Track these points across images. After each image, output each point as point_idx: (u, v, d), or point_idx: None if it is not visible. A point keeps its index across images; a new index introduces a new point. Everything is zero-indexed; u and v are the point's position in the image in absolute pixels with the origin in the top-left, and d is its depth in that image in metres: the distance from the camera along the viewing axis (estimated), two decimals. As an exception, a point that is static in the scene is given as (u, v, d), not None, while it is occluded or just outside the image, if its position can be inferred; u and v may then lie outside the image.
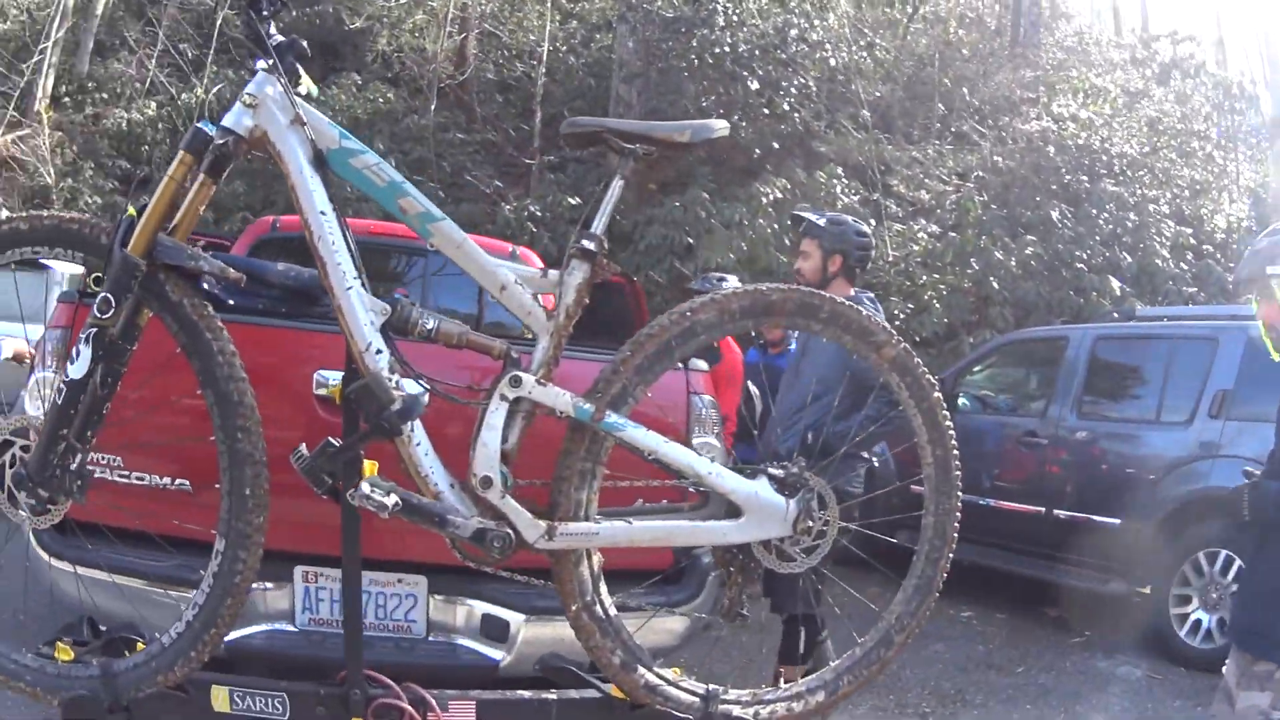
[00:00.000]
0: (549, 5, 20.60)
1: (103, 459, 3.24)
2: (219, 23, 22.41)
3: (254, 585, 3.05)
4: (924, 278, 13.11)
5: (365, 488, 2.57)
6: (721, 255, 13.02)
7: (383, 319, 2.64)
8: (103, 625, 3.13)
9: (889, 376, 2.85)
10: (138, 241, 2.53)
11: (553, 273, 2.76)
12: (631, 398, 2.71)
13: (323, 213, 2.61)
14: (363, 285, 2.63)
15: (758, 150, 14.61)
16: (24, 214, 2.76)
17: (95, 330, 2.52)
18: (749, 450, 6.26)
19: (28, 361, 4.84)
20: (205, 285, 3.12)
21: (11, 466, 2.67)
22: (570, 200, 15.39)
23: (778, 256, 13.04)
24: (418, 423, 2.63)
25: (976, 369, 9.24)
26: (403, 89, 21.09)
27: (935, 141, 15.77)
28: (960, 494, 2.94)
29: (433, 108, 19.58)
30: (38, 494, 2.61)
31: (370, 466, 2.66)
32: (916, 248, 13.76)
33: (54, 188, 19.23)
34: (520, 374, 2.63)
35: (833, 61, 15.30)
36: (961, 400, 8.71)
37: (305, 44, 2.79)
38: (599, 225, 2.75)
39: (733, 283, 7.28)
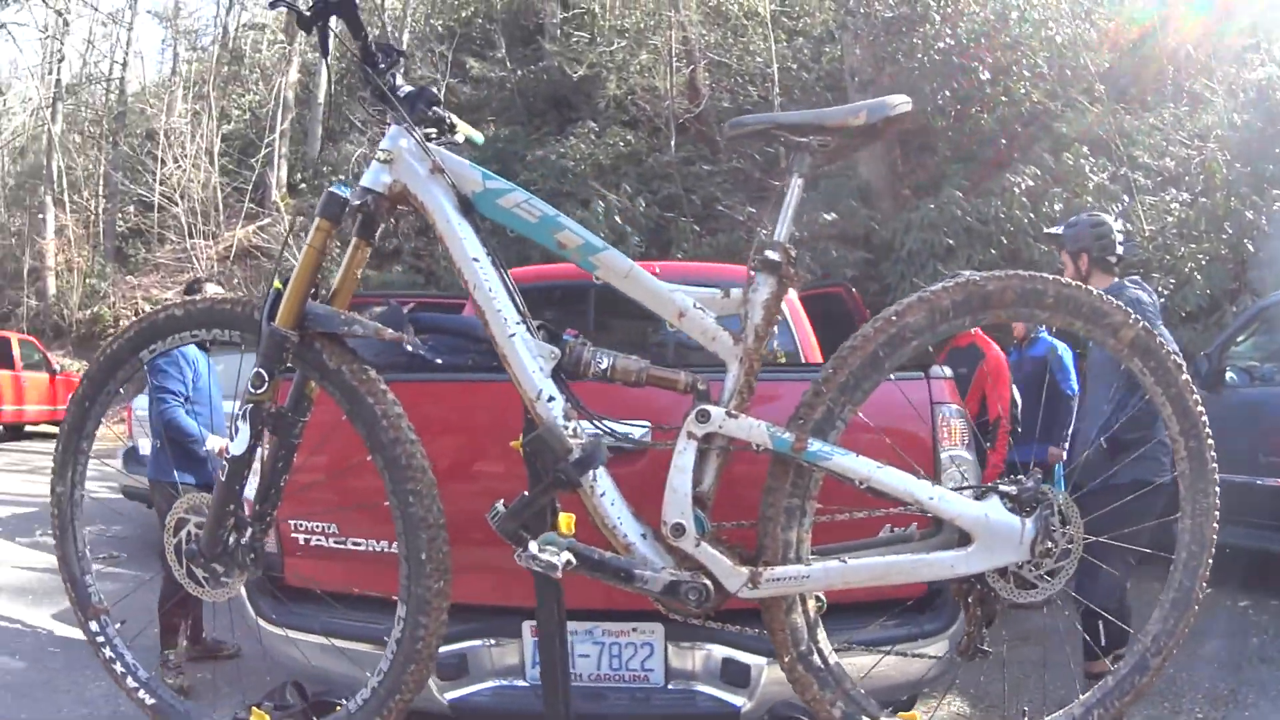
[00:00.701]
0: (770, 26, 20.91)
1: (317, 526, 3.45)
2: (442, 93, 23.87)
3: (480, 642, 3.26)
4: (1181, 249, 12.76)
5: (533, 548, 2.47)
6: (983, 253, 13.17)
7: (552, 363, 2.55)
8: (311, 688, 3.23)
9: (1130, 362, 2.60)
10: (284, 313, 2.56)
11: (735, 291, 2.59)
12: (839, 420, 2.50)
13: (475, 259, 2.57)
14: (528, 330, 2.57)
15: (1003, 140, 14.51)
16: (180, 300, 2.83)
17: (251, 406, 2.58)
18: (1031, 451, 6.82)
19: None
20: (410, 348, 3.22)
21: (188, 543, 2.74)
22: (826, 216, 15.48)
23: (1038, 247, 13.03)
24: (602, 471, 2.53)
25: (1240, 339, 8.37)
26: (641, 129, 21.59)
27: (1170, 105, 15.23)
28: (1218, 487, 2.65)
29: (673, 143, 20.18)
30: (211, 569, 2.70)
31: (566, 520, 2.55)
32: (1170, 218, 13.46)
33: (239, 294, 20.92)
34: (708, 408, 2.48)
35: (1058, 38, 14.84)
36: (1229, 375, 7.95)
37: (435, 90, 2.78)
38: (781, 232, 2.57)
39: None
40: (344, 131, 25.61)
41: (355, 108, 26.02)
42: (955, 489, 2.64)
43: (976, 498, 2.58)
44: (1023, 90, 14.59)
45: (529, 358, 2.54)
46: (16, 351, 19.09)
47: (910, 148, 16.05)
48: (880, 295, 14.53)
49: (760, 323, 2.52)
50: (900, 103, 2.54)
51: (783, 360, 5.77)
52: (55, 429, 18.57)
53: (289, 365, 2.62)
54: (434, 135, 2.77)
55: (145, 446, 9.09)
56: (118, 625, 3.00)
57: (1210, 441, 2.62)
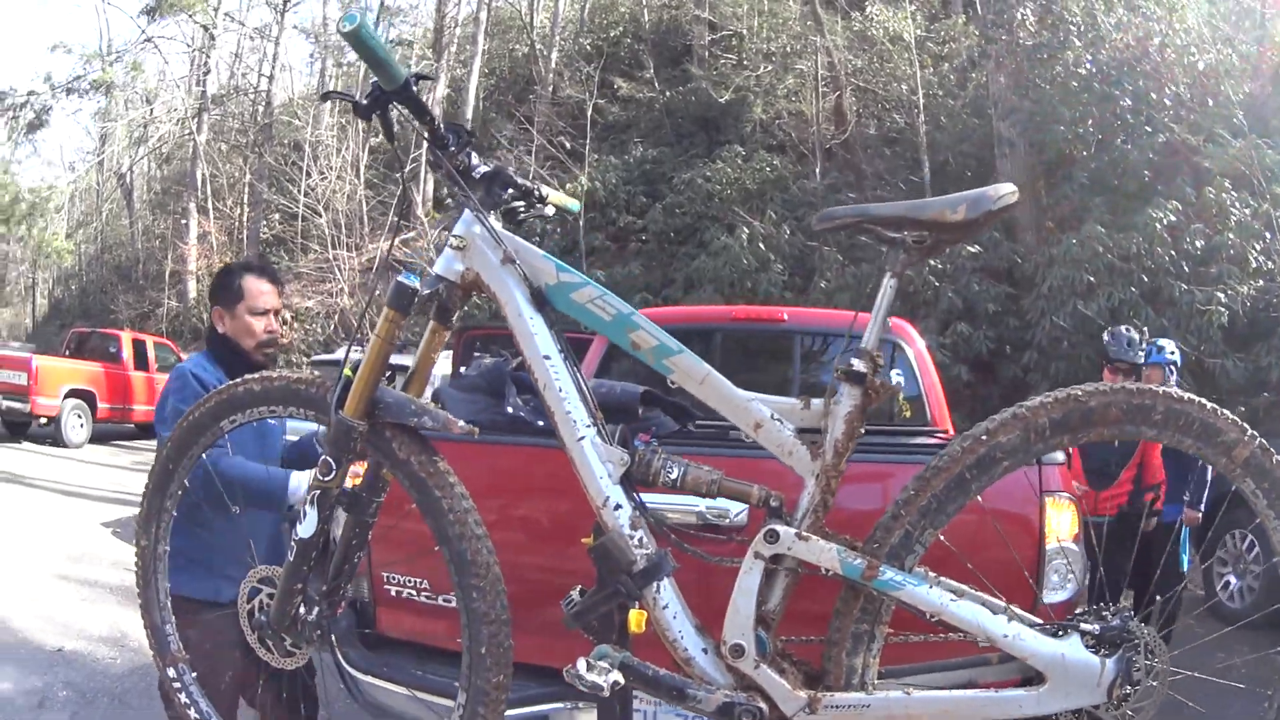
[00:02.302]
0: (914, 51, 21.37)
1: (409, 580, 3.72)
2: (590, 113, 24.93)
3: (562, 705, 3.39)
4: None
5: (580, 666, 2.42)
6: (1123, 291, 13.74)
7: (622, 469, 2.50)
8: None
9: (1242, 483, 2.37)
10: (353, 403, 2.56)
11: (816, 403, 2.48)
12: (918, 545, 2.39)
13: (547, 357, 2.52)
14: (599, 433, 2.52)
15: (1147, 173, 14.59)
16: (259, 375, 2.83)
17: (319, 492, 2.61)
18: (1177, 509, 7.16)
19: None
20: (510, 409, 3.45)
21: (260, 612, 2.79)
22: (970, 249, 15.77)
23: (1178, 285, 13.25)
24: (666, 583, 2.48)
25: None
26: (788, 155, 22.16)
27: None
28: None
29: (818, 170, 20.79)
30: (278, 641, 2.75)
31: (636, 619, 2.53)
32: None
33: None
34: (777, 528, 2.41)
35: (1200, 65, 14.85)
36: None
37: (510, 171, 2.71)
38: (870, 339, 2.45)
39: (1171, 350, 7.68)
40: (491, 148, 25.58)
41: (503, 124, 26.87)
42: (1036, 625, 2.45)
43: (1056, 633, 2.43)
44: (1165, 118, 14.89)
45: (598, 463, 2.50)
46: (151, 354, 20.49)
47: (1054, 178, 16.66)
48: (1021, 330, 15.15)
49: (841, 437, 2.42)
50: (1005, 194, 2.36)
51: (907, 413, 6.02)
52: None
53: (358, 454, 2.63)
54: (521, 210, 2.82)
55: None
56: (194, 674, 3.09)
57: None
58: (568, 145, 25.26)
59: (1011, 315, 15.59)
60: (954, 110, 20.93)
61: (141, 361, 20.19)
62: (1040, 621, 2.44)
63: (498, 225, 2.60)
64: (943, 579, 2.41)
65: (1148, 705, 2.37)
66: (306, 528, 2.62)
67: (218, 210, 29.91)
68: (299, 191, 27.53)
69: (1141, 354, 6.32)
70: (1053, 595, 3.28)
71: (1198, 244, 13.58)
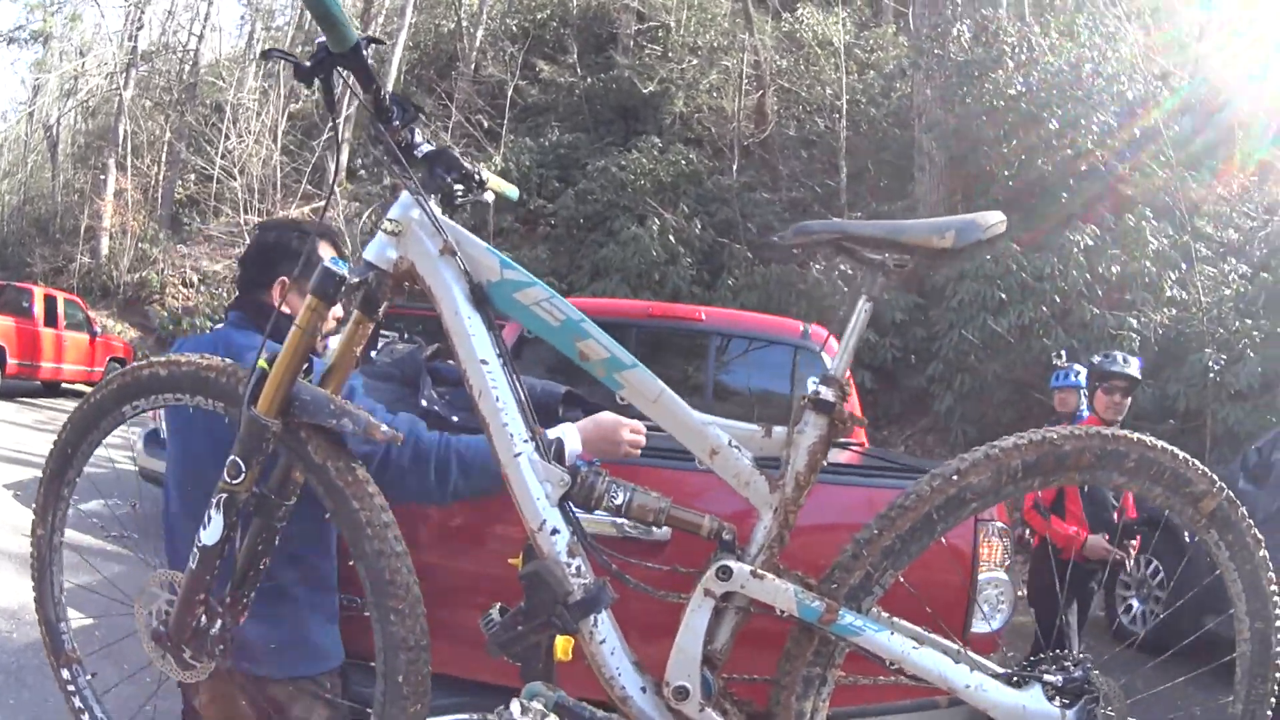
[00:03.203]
0: (842, 57, 20.90)
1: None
2: (510, 93, 24.43)
3: (470, 716, 2.86)
4: (1236, 324, 12.36)
5: (515, 709, 2.23)
6: (1034, 310, 13.04)
7: (561, 490, 2.24)
8: None
9: (1205, 534, 2.30)
10: (266, 400, 2.26)
11: (778, 431, 2.27)
12: (878, 586, 2.21)
13: (484, 362, 2.25)
14: (538, 449, 2.26)
15: (1064, 195, 14.37)
16: (166, 358, 2.55)
17: (226, 496, 2.32)
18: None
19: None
20: (431, 408, 3.13)
21: (159, 620, 2.49)
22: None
23: (1090, 309, 12.92)
24: (604, 615, 2.24)
25: None
26: (705, 149, 21.60)
27: (1239, 174, 14.93)
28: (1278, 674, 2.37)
29: (735, 167, 20.22)
30: (177, 653, 2.44)
31: (563, 646, 2.38)
32: (1228, 291, 13.07)
33: (352, 258, 21.23)
34: (730, 564, 2.18)
35: (1129, 95, 14.67)
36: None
37: (455, 152, 2.44)
38: (840, 365, 2.26)
39: (1074, 369, 7.87)
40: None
41: (423, 98, 25.91)
42: (998, 674, 2.30)
43: (1018, 683, 2.28)
44: (1089, 145, 14.34)
45: (535, 482, 2.24)
46: (61, 310, 19.26)
47: (971, 193, 15.89)
48: (927, 341, 14.76)
49: (803, 469, 2.20)
50: (995, 224, 2.18)
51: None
52: (90, 389, 18.94)
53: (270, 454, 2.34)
54: (460, 193, 2.52)
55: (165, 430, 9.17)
56: (90, 676, 2.83)
57: (1279, 624, 2.33)
58: (485, 124, 24.78)
59: (919, 325, 15.23)
60: (876, 118, 20.65)
61: (51, 318, 18.85)
62: (1001, 670, 2.30)
63: (439, 211, 2.33)
64: (900, 622, 2.28)
65: None
66: (211, 534, 2.32)
67: (136, 168, 28.62)
68: (216, 153, 26.33)
69: (1135, 372, 5.96)
70: (983, 625, 3.21)
71: (1114, 269, 13.26)
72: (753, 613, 2.23)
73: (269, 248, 2.98)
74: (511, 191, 2.79)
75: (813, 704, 2.23)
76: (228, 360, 2.44)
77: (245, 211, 25.02)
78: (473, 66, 27.21)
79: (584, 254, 19.75)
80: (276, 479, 2.37)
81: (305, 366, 2.30)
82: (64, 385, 19.42)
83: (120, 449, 13.34)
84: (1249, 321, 12.39)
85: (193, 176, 28.03)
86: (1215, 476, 2.24)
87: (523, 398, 2.28)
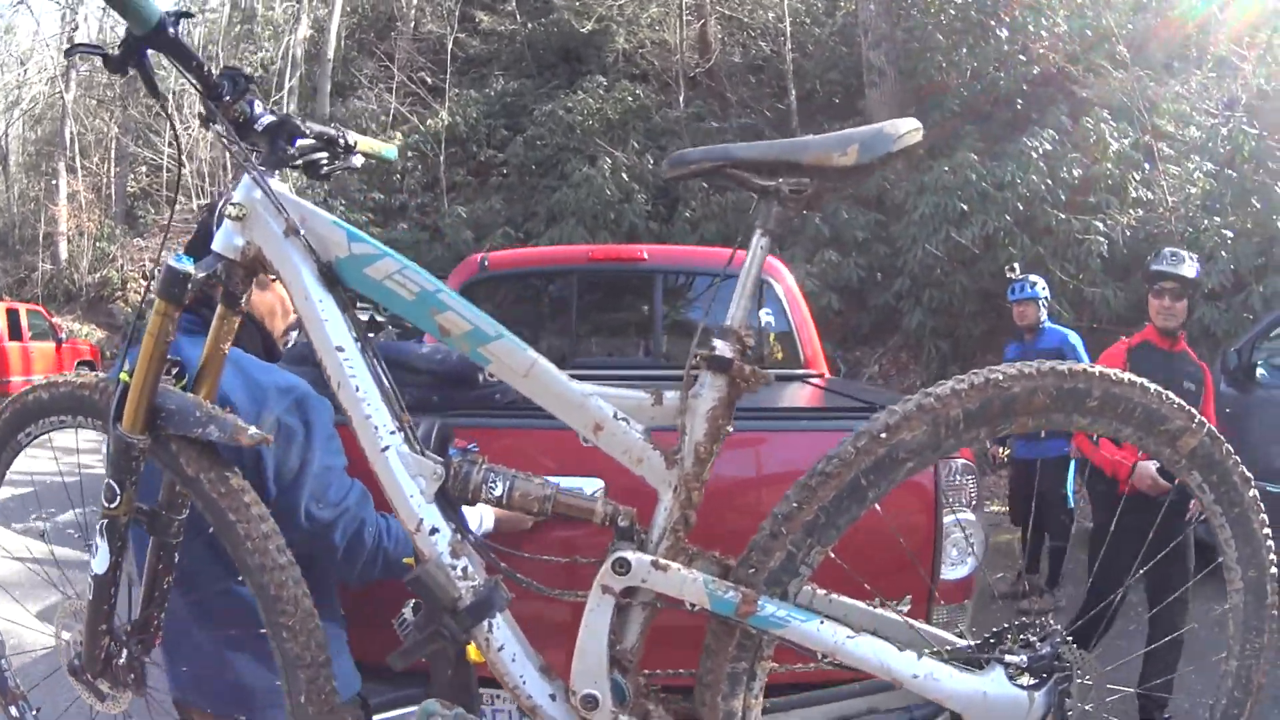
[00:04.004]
0: None
1: None
2: (450, 47, 23.77)
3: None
4: (1205, 222, 11.92)
5: None
6: (997, 219, 12.57)
7: (436, 485, 1.98)
8: None
9: (1187, 475, 1.98)
10: (130, 415, 2.04)
11: (670, 397, 1.95)
12: (804, 567, 1.87)
13: (339, 349, 2.00)
14: (406, 440, 2.00)
15: (1020, 101, 13.92)
16: (46, 381, 2.38)
17: (107, 522, 2.12)
18: (1052, 447, 6.97)
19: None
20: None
21: (74, 653, 2.34)
22: None
23: (1055, 214, 12.49)
24: (499, 619, 1.98)
25: (1275, 333, 7.49)
26: (651, 84, 21.00)
27: (1196, 71, 14.33)
28: (1276, 624, 2.05)
29: (682, 99, 19.58)
30: (93, 686, 2.30)
31: (474, 650, 2.02)
32: (1194, 190, 12.65)
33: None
34: (628, 556, 1.88)
35: None
36: (1260, 371, 7.21)
37: (297, 121, 2.16)
38: (735, 313, 1.91)
39: (1042, 285, 7.40)
40: (353, 87, 25.14)
41: (365, 62, 25.62)
42: (954, 653, 1.96)
43: (976, 664, 1.94)
44: (1041, 50, 13.91)
45: (406, 478, 1.96)
46: (24, 322, 18.67)
47: (924, 106, 15.25)
48: (892, 258, 14.42)
49: (703, 439, 1.87)
50: (907, 131, 1.82)
51: (779, 355, 5.51)
52: None
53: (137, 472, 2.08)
54: (324, 162, 2.24)
55: None
56: (35, 711, 2.73)
57: (1274, 573, 2.00)
58: (429, 81, 24.11)
59: (882, 243, 14.81)
60: (821, 38, 20.10)
61: (15, 332, 18.20)
62: (957, 642, 1.96)
63: (283, 186, 2.05)
64: (838, 600, 1.94)
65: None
66: (99, 562, 2.12)
67: (86, 168, 27.84)
68: (164, 143, 25.55)
69: (1188, 271, 4.92)
70: (951, 572, 3.01)
71: (1075, 173, 12.79)
72: (660, 606, 1.96)
73: (209, 232, 2.39)
74: (388, 151, 2.56)
75: (743, 701, 1.93)
76: (100, 376, 2.26)
77: (199, 197, 24.32)
78: (412, 24, 26.51)
79: (538, 200, 19.18)
80: (165, 494, 2.17)
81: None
82: None
83: (92, 453, 13.05)
84: (1217, 220, 12.00)
85: (143, 169, 27.31)
86: (1194, 411, 1.90)
87: (387, 385, 2.03)
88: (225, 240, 2.04)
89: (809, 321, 5.65)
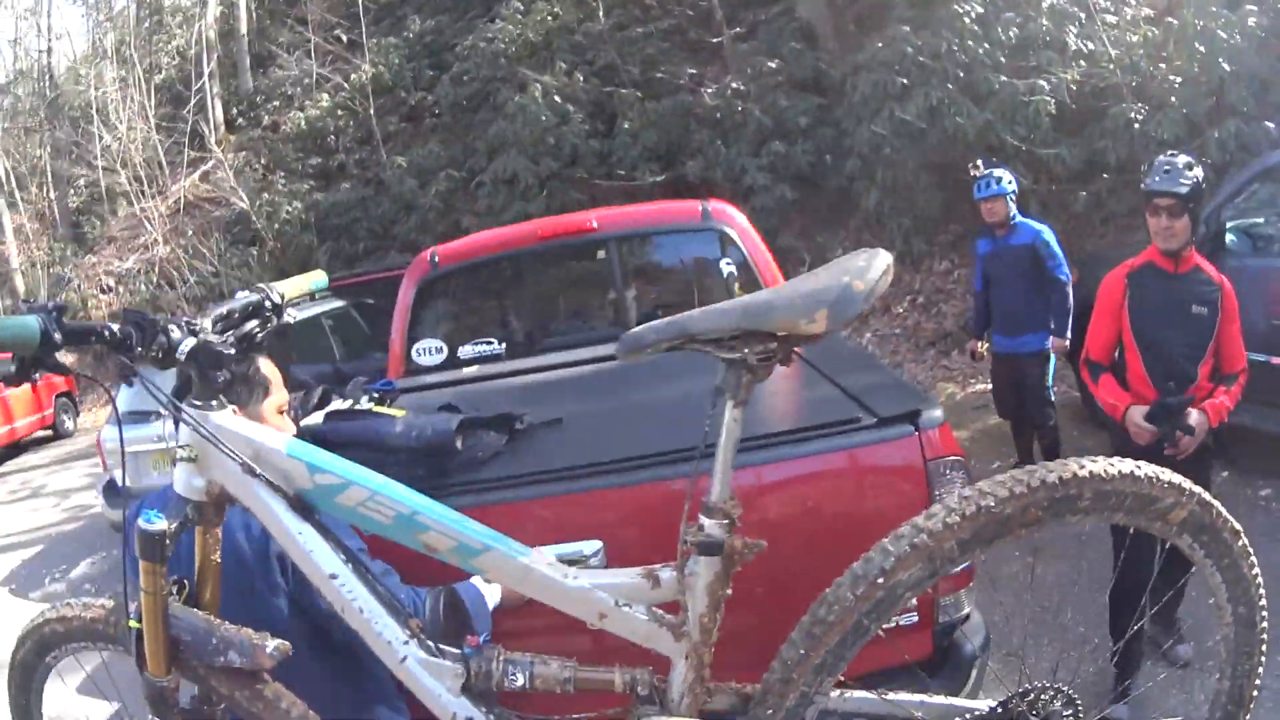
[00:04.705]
0: None
1: None
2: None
3: None
4: (1151, 69, 11.47)
5: None
6: (939, 89, 11.90)
7: (459, 681, 2.02)
8: None
9: (1178, 539, 2.05)
10: (153, 659, 2.07)
11: (666, 577, 1.98)
12: (819, 696, 1.92)
13: (334, 576, 2.01)
14: (419, 645, 2.03)
15: None
16: (59, 615, 2.44)
17: None
18: (1035, 340, 6.93)
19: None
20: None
21: None
22: (770, 64, 14.48)
23: (997, 77, 11.67)
24: None
25: (1239, 198, 7.15)
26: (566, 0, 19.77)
27: None
28: (1264, 647, 2.21)
29: (601, 11, 18.43)
30: None
31: None
32: (1135, 37, 11.95)
33: (252, 209, 19.89)
34: None
35: None
36: (1230, 238, 6.96)
37: (211, 334, 2.04)
38: (719, 489, 1.91)
39: (1008, 180, 6.99)
40: (271, 57, 24.30)
41: (278, 31, 24.66)
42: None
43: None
44: None
45: (431, 681, 2.01)
46: None
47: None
48: (838, 139, 13.89)
49: (705, 610, 1.93)
50: (877, 279, 1.83)
51: (740, 292, 5.26)
52: (48, 432, 17.44)
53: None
54: (258, 329, 2.20)
55: (122, 480, 8.65)
56: None
57: (1263, 604, 2.14)
58: (345, 39, 23.08)
59: (826, 126, 14.19)
60: None
61: None
62: (977, 707, 2.10)
63: (228, 419, 2.04)
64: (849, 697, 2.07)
65: None
66: None
67: (26, 199, 27.03)
68: (97, 156, 24.64)
69: (1185, 184, 4.30)
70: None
71: (1011, 33, 12.02)
72: None
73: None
74: (318, 282, 2.59)
75: None
76: (101, 604, 2.33)
77: (140, 200, 23.51)
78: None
79: (475, 136, 18.37)
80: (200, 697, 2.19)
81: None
82: (21, 442, 18.29)
83: (88, 505, 12.83)
84: (1163, 66, 11.34)
85: (82, 182, 26.41)
86: (1185, 485, 1.97)
87: (385, 594, 2.05)
88: (186, 482, 2.03)
89: (770, 263, 5.55)
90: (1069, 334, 6.75)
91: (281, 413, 2.66)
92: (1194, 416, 4.18)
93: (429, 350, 5.60)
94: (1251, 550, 2.10)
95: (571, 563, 2.35)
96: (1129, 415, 4.32)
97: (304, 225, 19.04)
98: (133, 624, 2.08)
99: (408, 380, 5.13)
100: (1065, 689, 2.08)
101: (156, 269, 22.04)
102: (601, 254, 6.01)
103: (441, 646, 2.05)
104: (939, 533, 1.81)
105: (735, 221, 5.71)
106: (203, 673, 2.09)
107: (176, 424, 2.06)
